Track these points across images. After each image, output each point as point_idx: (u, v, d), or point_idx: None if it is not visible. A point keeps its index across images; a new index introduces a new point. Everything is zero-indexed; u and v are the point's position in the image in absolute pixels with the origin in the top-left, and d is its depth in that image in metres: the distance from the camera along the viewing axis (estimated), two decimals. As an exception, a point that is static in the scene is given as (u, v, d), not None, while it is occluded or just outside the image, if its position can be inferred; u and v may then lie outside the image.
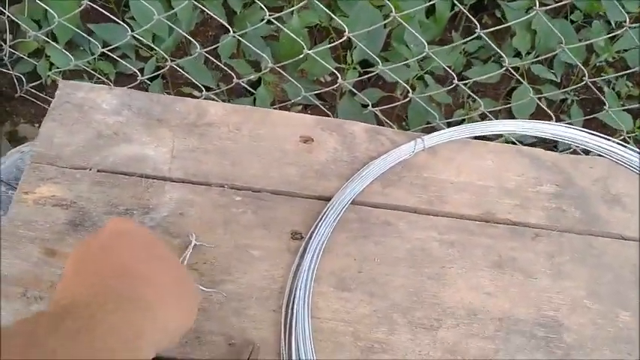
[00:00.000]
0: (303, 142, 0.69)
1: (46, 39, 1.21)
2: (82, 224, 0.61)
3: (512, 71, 1.09)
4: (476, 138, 0.72)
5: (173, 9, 1.11)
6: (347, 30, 0.95)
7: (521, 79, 1.15)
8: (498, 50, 0.99)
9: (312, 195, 0.66)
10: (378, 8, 1.15)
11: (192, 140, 0.68)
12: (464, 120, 1.31)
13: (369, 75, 1.21)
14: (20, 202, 0.62)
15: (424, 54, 1.02)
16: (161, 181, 0.65)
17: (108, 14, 1.11)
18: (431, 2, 1.09)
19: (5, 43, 1.31)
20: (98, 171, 0.65)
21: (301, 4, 1.01)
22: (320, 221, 0.62)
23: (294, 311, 0.57)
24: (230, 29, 1.01)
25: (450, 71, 1.08)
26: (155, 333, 0.38)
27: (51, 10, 1.08)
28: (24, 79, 1.37)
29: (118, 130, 0.68)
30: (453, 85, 1.08)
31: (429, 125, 1.25)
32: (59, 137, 0.66)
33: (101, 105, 0.69)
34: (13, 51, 1.32)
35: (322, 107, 1.29)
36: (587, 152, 0.76)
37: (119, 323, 0.36)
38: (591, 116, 1.28)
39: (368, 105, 1.17)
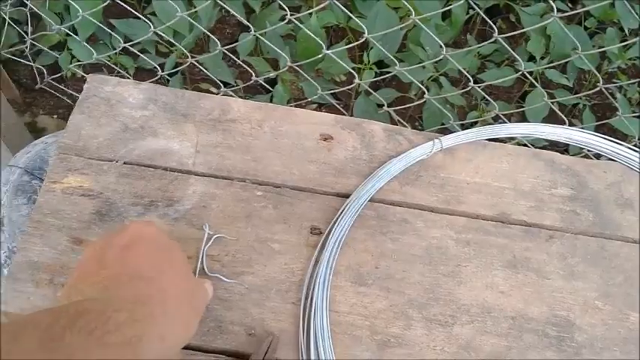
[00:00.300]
0: (323, 140, 0.71)
1: (69, 32, 1.23)
2: (108, 214, 0.63)
3: (527, 75, 1.10)
4: (490, 140, 0.73)
5: (194, 7, 1.12)
6: (366, 32, 0.97)
7: (536, 83, 1.16)
8: (515, 55, 1.00)
9: (331, 192, 0.67)
10: (395, 10, 1.16)
11: (215, 136, 0.69)
12: (477, 122, 1.32)
13: (384, 76, 1.23)
14: (49, 191, 0.64)
15: (441, 56, 1.03)
16: (185, 174, 0.66)
17: (129, 9, 1.13)
18: (448, 5, 1.10)
19: (27, 36, 1.33)
20: (124, 163, 0.66)
21: (322, 5, 1.03)
22: (339, 217, 0.64)
23: (313, 304, 0.59)
24: (251, 28, 1.03)
25: (466, 73, 1.10)
26: (152, 339, 0.40)
27: (75, 5, 1.10)
28: (45, 72, 1.40)
29: (144, 124, 0.69)
30: (468, 87, 1.10)
31: (442, 126, 1.27)
32: (87, 129, 0.68)
33: (128, 99, 0.71)
34: (34, 43, 1.34)
35: (337, 106, 1.30)
36: (598, 156, 0.78)
37: (125, 322, 0.38)
38: (603, 122, 1.29)
39: (383, 105, 1.19)
